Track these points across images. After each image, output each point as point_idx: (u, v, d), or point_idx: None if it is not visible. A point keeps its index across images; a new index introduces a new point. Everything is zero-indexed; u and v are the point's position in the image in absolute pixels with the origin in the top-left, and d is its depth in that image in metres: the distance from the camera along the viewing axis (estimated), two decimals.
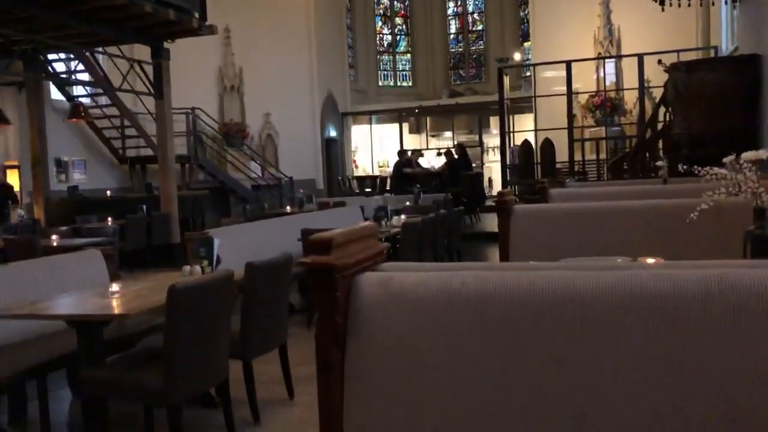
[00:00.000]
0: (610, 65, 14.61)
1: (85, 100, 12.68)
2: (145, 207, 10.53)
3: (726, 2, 8.89)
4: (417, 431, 1.15)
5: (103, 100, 13.68)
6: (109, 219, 9.53)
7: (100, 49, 10.72)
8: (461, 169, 14.48)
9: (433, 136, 20.63)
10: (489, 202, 14.16)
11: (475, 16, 22.33)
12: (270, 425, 3.76)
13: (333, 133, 18.48)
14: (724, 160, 2.44)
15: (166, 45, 10.28)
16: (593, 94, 14.70)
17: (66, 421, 4.08)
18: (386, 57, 22.26)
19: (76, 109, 10.57)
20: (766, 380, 1.00)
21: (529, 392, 1.10)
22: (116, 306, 3.37)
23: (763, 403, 1.00)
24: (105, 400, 3.35)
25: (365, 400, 1.20)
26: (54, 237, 7.47)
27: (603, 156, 13.78)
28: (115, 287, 3.65)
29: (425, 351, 1.16)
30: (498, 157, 15.78)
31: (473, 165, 16.26)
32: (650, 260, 1.63)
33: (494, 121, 17.81)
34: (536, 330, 1.11)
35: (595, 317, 1.09)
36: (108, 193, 12.80)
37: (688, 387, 1.03)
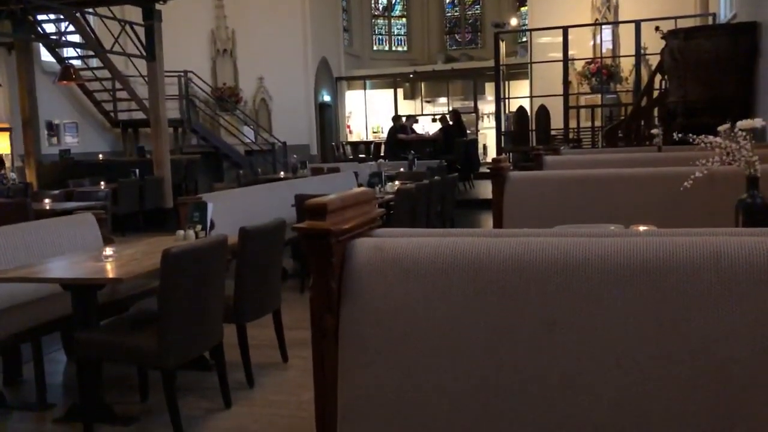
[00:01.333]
0: (606, 32, 14.48)
1: (76, 63, 12.50)
2: (137, 171, 10.49)
3: None
4: (411, 394, 1.16)
5: (94, 62, 13.50)
6: (102, 183, 9.49)
7: (91, 9, 10.54)
8: (456, 135, 14.43)
9: (427, 101, 20.49)
10: (483, 169, 14.14)
11: None
12: (264, 388, 3.81)
13: (327, 98, 18.33)
14: (719, 128, 2.44)
15: (158, 6, 10.11)
16: (589, 60, 14.59)
17: (61, 383, 4.11)
18: (381, 21, 21.99)
19: (66, 71, 10.42)
20: (756, 346, 1.01)
21: (521, 356, 1.11)
22: (110, 270, 3.37)
23: (751, 367, 1.01)
24: (99, 362, 3.37)
25: (359, 364, 1.21)
26: (46, 201, 7.45)
27: (598, 123, 13.75)
28: (108, 251, 3.65)
29: (419, 315, 1.17)
30: (493, 123, 15.72)
31: (468, 131, 16.19)
32: (642, 228, 1.64)
33: (489, 88, 17.68)
34: (529, 295, 1.12)
35: (587, 283, 1.09)
36: (100, 156, 12.72)
37: (678, 352, 1.04)
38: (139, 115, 13.00)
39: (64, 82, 11.12)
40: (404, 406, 1.17)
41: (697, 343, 1.03)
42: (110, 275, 3.29)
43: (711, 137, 2.21)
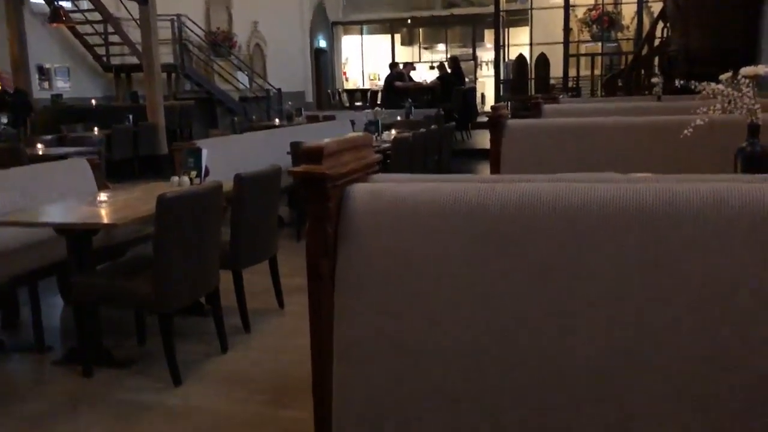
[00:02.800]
0: None
1: (66, 5, 12.22)
2: (131, 117, 10.37)
3: None
4: (406, 337, 1.17)
5: (85, 4, 13.19)
6: (95, 128, 9.39)
7: None
8: (454, 83, 14.26)
9: (425, 48, 20.17)
10: (481, 118, 14.04)
11: None
12: (261, 333, 3.85)
13: (323, 44, 18.02)
14: (721, 76, 2.40)
15: None
16: (591, 7, 14.31)
17: (58, 327, 4.15)
18: None
19: (56, 13, 10.18)
20: (753, 290, 1.01)
21: (517, 300, 1.11)
22: (105, 215, 3.37)
23: (748, 312, 1.01)
24: (96, 306, 3.39)
25: (355, 309, 1.21)
26: (39, 146, 7.38)
27: (598, 72, 13.58)
28: (103, 196, 3.64)
29: (416, 260, 1.17)
30: (491, 71, 15.51)
31: (466, 80, 16.00)
32: (640, 175, 1.62)
33: (489, 35, 17.39)
34: (526, 240, 1.11)
35: (584, 229, 1.09)
36: (93, 102, 12.55)
37: (675, 297, 1.04)
38: (132, 60, 12.79)
39: (55, 24, 10.88)
40: (400, 349, 1.17)
41: (694, 289, 1.03)
42: (105, 220, 3.29)
43: (713, 84, 2.18)
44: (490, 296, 1.12)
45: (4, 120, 9.73)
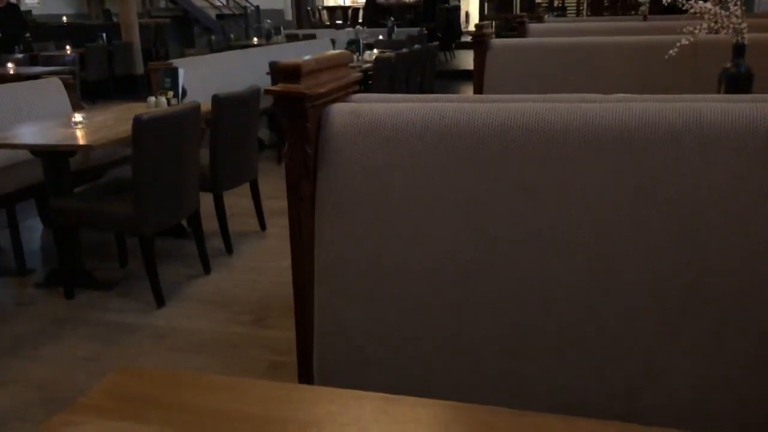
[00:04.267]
0: None
1: None
2: (104, 35, 10.03)
3: None
4: (386, 259, 1.17)
5: None
6: (68, 47, 9.08)
7: None
8: (438, 1, 13.90)
9: None
10: (465, 38, 13.77)
11: None
12: (242, 255, 3.87)
13: None
14: None
15: None
16: None
17: (39, 249, 4.14)
18: None
19: None
20: (730, 211, 1.02)
21: (498, 220, 1.11)
22: (81, 136, 3.30)
23: (723, 231, 1.03)
24: (76, 228, 3.38)
25: (336, 229, 1.21)
26: (9, 65, 7.14)
27: None
28: (78, 117, 3.55)
29: (396, 181, 1.16)
30: None
31: None
32: (623, 96, 1.60)
33: None
34: (507, 160, 1.10)
35: (566, 149, 1.08)
36: (64, 19, 12.09)
37: (653, 218, 1.05)
38: None
39: None
40: (380, 271, 1.18)
41: (673, 208, 1.04)
42: (81, 142, 3.22)
43: (701, 2, 2.13)
44: (470, 216, 1.12)
45: None
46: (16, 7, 9.86)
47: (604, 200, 1.06)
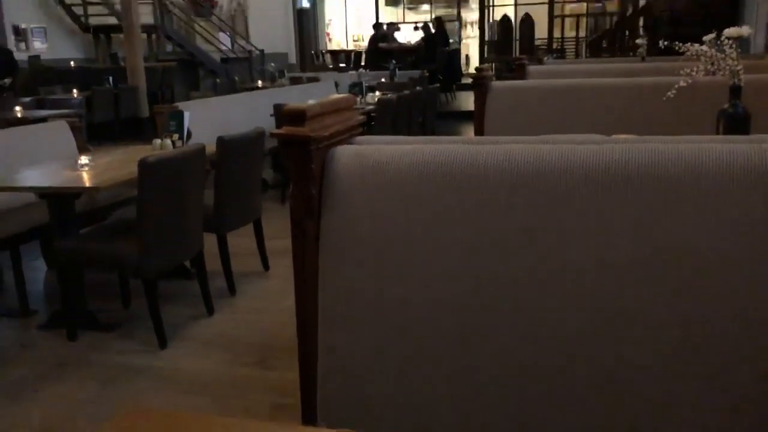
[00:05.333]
0: None
1: None
2: (111, 79, 10.19)
3: None
4: (390, 300, 1.18)
5: None
6: (75, 91, 9.22)
7: None
8: (438, 44, 14.12)
9: (410, 8, 19.87)
10: (466, 80, 13.96)
11: None
12: (246, 295, 3.86)
13: (306, 4, 17.70)
14: (704, 38, 2.40)
15: None
16: None
17: (42, 291, 4.14)
18: None
19: None
20: (731, 251, 1.03)
21: (500, 263, 1.12)
22: (87, 178, 3.33)
23: (724, 273, 1.03)
24: (80, 270, 3.38)
25: (340, 270, 1.22)
26: (17, 108, 7.25)
27: (583, 34, 13.52)
28: (84, 160, 3.59)
29: (400, 222, 1.17)
30: (476, 32, 15.38)
31: (451, 41, 15.84)
32: (623, 136, 1.62)
33: None
34: (509, 202, 1.12)
35: (567, 190, 1.09)
36: (72, 63, 12.30)
37: (655, 258, 1.05)
38: (111, 20, 12.53)
39: None
40: (384, 312, 1.18)
41: (674, 250, 1.05)
42: (87, 184, 3.26)
43: (697, 45, 2.18)
44: (473, 258, 1.13)
45: None
46: (7, 50, 9.98)
47: (606, 241, 1.07)
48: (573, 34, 13.64)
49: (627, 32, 9.39)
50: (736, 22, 6.81)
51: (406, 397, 1.18)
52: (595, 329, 1.08)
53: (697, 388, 1.05)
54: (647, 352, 1.06)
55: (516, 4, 14.54)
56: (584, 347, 1.08)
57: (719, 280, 1.03)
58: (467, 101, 12.23)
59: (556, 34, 13.32)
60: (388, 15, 18.98)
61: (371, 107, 6.48)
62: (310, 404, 1.27)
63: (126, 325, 3.48)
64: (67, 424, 2.60)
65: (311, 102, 1.26)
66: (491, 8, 14.60)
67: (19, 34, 12.20)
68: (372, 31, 15.25)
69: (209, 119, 5.62)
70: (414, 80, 9.77)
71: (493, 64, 13.31)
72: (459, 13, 18.69)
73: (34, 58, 11.74)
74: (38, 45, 12.62)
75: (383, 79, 9.76)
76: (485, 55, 13.86)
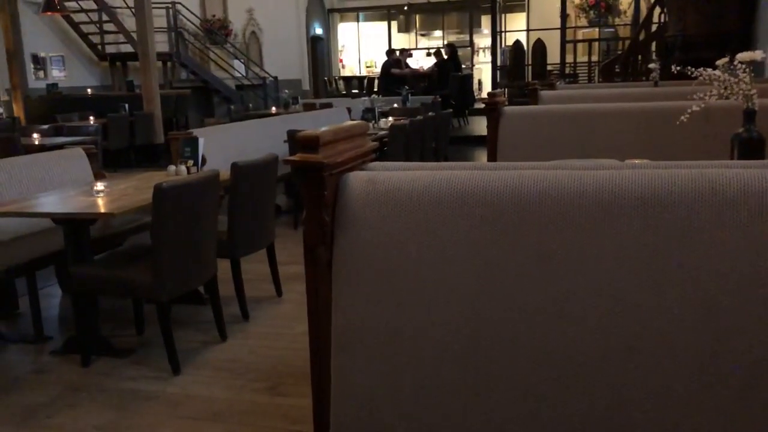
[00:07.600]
0: None
1: None
2: (127, 106, 10.33)
3: None
4: (404, 326, 1.17)
5: None
6: (91, 118, 9.36)
7: None
8: (451, 70, 14.21)
9: (422, 35, 20.07)
10: (478, 105, 14.01)
11: None
12: (259, 321, 3.86)
13: (319, 31, 17.93)
14: (718, 62, 2.40)
15: None
16: None
17: (57, 316, 4.16)
18: None
19: (50, 1, 10.11)
20: (747, 279, 1.02)
21: (513, 288, 1.11)
22: (102, 205, 3.36)
23: (742, 304, 1.02)
24: (94, 295, 3.40)
25: (353, 296, 1.22)
26: (35, 135, 7.36)
27: (595, 58, 13.56)
28: (100, 186, 3.63)
29: (412, 248, 1.17)
30: (488, 58, 15.48)
31: (463, 66, 15.95)
32: (637, 161, 1.62)
33: (486, 21, 17.31)
34: (522, 228, 1.12)
35: (580, 216, 1.09)
36: (88, 91, 12.49)
37: (669, 284, 1.04)
38: (127, 48, 12.72)
39: (48, 12, 10.81)
40: (397, 338, 1.18)
41: (688, 276, 1.04)
42: (102, 210, 3.28)
43: (710, 70, 2.18)
44: (486, 284, 1.13)
45: (0, 110, 9.68)
46: None
47: (620, 266, 1.06)
48: (585, 59, 13.69)
49: (639, 57, 9.41)
50: (750, 45, 6.81)
51: (420, 423, 1.17)
52: (609, 356, 1.07)
53: (713, 418, 1.03)
54: (666, 379, 1.05)
55: (528, 30, 14.65)
56: (598, 374, 1.07)
57: (736, 303, 1.02)
58: (480, 126, 12.27)
59: (569, 59, 13.37)
60: (400, 41, 19.17)
61: (384, 133, 6.51)
62: (324, 431, 1.26)
63: (139, 350, 3.48)
64: None
65: (324, 129, 1.27)
66: (503, 33, 14.71)
67: (38, 62, 12.41)
68: (385, 58, 15.39)
69: (223, 145, 5.67)
70: (426, 106, 9.82)
71: (506, 90, 13.37)
72: (471, 38, 18.84)
73: (52, 86, 11.93)
74: (56, 73, 12.83)
75: (396, 105, 9.82)
76: (497, 81, 13.93)
